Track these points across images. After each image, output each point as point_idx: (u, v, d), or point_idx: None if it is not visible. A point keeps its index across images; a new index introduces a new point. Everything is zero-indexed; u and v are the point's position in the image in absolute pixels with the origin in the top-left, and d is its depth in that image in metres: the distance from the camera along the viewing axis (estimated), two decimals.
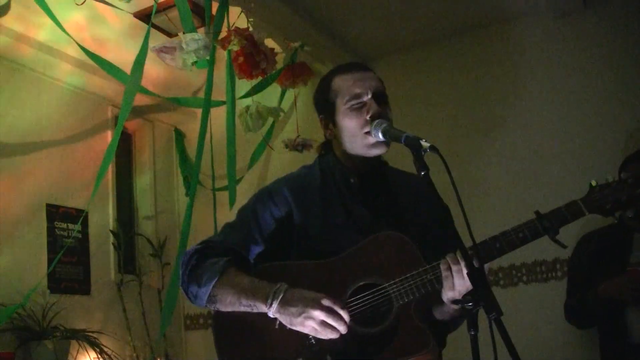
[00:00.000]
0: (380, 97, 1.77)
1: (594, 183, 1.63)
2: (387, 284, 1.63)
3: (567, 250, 3.29)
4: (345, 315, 1.56)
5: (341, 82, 1.79)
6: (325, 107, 1.82)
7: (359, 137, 1.73)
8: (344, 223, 1.74)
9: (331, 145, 1.88)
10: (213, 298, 1.66)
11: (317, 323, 1.55)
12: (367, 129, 1.72)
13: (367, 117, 1.72)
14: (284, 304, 1.57)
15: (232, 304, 1.64)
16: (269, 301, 1.58)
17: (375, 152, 1.75)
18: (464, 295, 1.46)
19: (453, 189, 1.47)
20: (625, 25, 3.59)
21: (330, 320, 1.55)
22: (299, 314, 1.55)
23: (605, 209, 1.60)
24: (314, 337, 1.60)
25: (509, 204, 3.67)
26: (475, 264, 1.41)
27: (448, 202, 1.52)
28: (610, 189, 1.60)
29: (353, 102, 1.75)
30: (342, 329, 1.56)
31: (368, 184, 1.80)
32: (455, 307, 1.61)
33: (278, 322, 1.61)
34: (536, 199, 3.61)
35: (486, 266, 1.57)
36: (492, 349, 1.41)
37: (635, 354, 2.72)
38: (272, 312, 1.58)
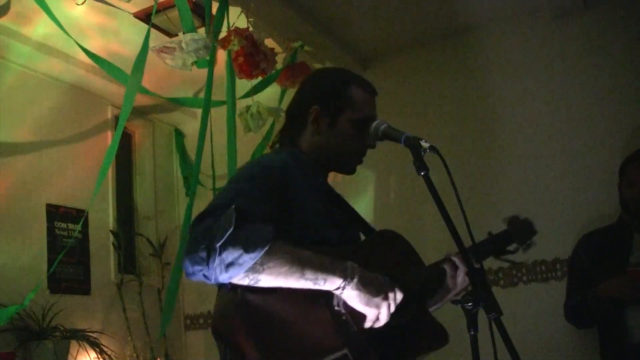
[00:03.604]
0: None
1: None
2: (406, 278, 1.64)
3: (567, 250, 3.29)
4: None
5: (360, 95, 1.77)
6: (329, 103, 1.75)
7: (352, 152, 1.77)
8: (326, 215, 1.70)
9: (295, 137, 1.80)
10: (259, 267, 1.40)
11: (388, 307, 1.51)
12: (360, 155, 1.78)
13: (366, 144, 1.76)
14: (365, 281, 1.49)
15: (287, 274, 1.43)
16: (349, 276, 1.48)
17: (351, 172, 1.81)
18: (464, 295, 1.46)
19: (453, 189, 1.48)
20: (625, 25, 3.59)
21: (393, 307, 1.52)
22: (378, 294, 1.50)
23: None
24: (357, 327, 1.51)
25: (509, 204, 3.66)
26: (476, 264, 1.43)
27: (447, 202, 1.52)
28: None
29: (363, 122, 1.74)
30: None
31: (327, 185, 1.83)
32: (441, 303, 1.69)
33: (340, 302, 1.50)
34: (536, 199, 3.62)
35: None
36: (492, 349, 1.41)
37: (635, 354, 2.72)
38: (350, 287, 1.47)
